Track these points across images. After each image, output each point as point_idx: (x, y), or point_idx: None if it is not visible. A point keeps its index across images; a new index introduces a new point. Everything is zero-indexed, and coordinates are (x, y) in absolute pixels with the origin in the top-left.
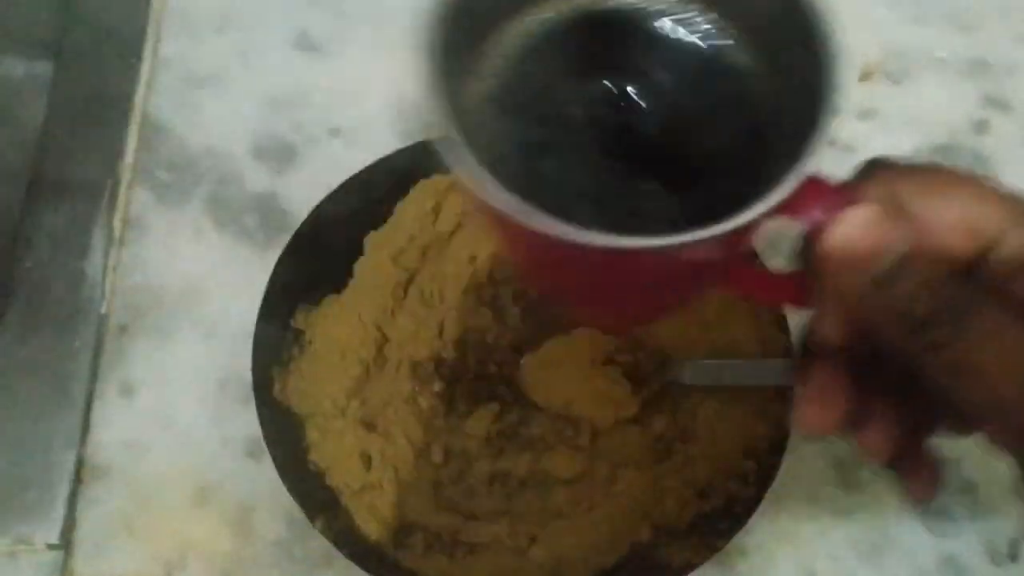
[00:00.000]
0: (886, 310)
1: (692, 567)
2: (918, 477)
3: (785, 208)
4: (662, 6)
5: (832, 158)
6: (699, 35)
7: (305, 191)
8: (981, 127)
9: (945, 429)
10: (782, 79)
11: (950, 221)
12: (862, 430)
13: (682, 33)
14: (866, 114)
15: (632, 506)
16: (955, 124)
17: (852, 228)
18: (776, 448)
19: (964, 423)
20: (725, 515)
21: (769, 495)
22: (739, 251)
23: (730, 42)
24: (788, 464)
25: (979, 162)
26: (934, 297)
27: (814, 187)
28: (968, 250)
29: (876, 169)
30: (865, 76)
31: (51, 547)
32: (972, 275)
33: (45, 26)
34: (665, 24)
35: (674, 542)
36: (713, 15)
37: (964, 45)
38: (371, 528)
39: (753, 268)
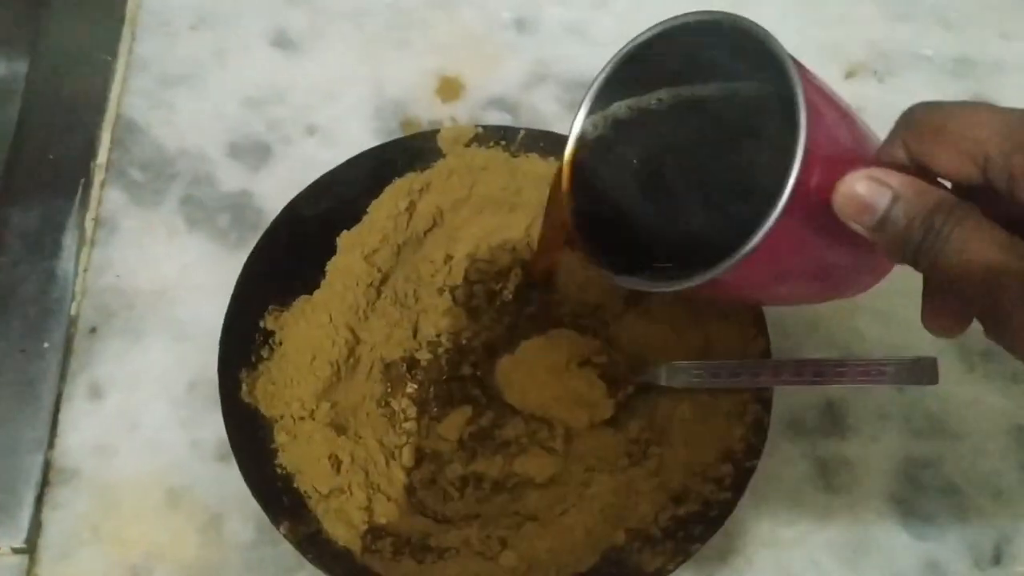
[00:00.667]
0: (893, 241)
1: (666, 572)
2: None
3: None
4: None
5: None
6: None
7: (280, 190)
8: None
9: None
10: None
11: (947, 157)
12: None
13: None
14: None
15: (606, 510)
16: None
17: (844, 189)
18: (753, 451)
19: None
20: (700, 519)
21: (749, 498)
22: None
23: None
24: (768, 467)
25: None
26: (923, 223)
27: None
28: (972, 175)
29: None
30: (850, 74)
31: (16, 551)
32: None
33: (20, 24)
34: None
35: (648, 547)
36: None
37: (949, 43)
38: (339, 533)
39: None
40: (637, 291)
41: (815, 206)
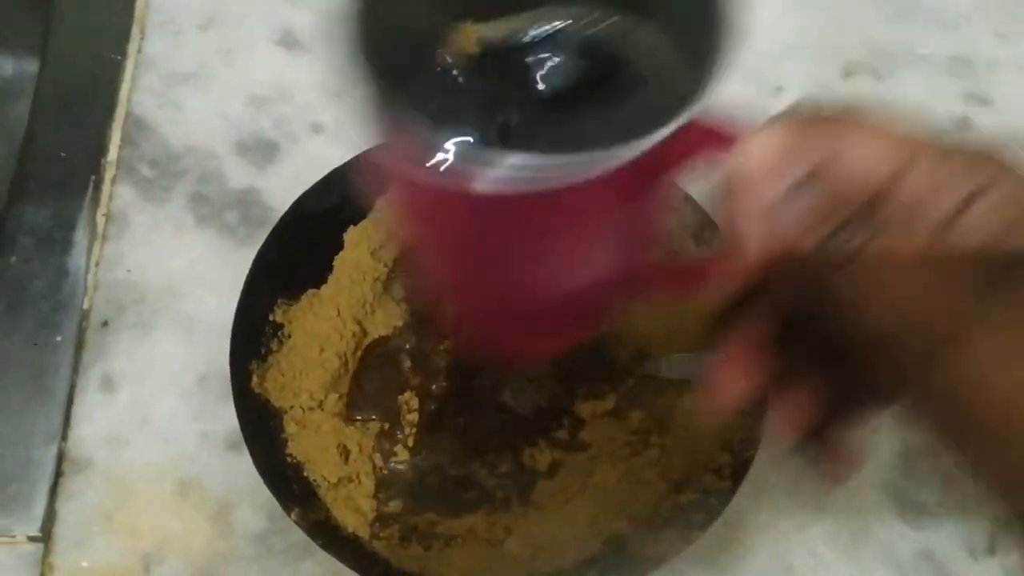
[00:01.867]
0: (799, 223)
1: (667, 559)
2: (834, 457)
3: (698, 148)
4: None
5: None
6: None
7: (287, 187)
8: (963, 124)
9: (862, 405)
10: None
11: (847, 168)
12: (780, 400)
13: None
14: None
15: (609, 498)
16: (938, 120)
17: (764, 140)
18: (751, 442)
19: (879, 395)
20: (700, 508)
21: (748, 488)
22: (649, 236)
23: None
24: (767, 457)
25: None
26: (839, 209)
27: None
28: (865, 192)
29: (790, 115)
30: (848, 73)
31: (31, 539)
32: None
33: (30, 24)
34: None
35: (650, 534)
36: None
37: (946, 42)
38: (348, 520)
39: (661, 263)
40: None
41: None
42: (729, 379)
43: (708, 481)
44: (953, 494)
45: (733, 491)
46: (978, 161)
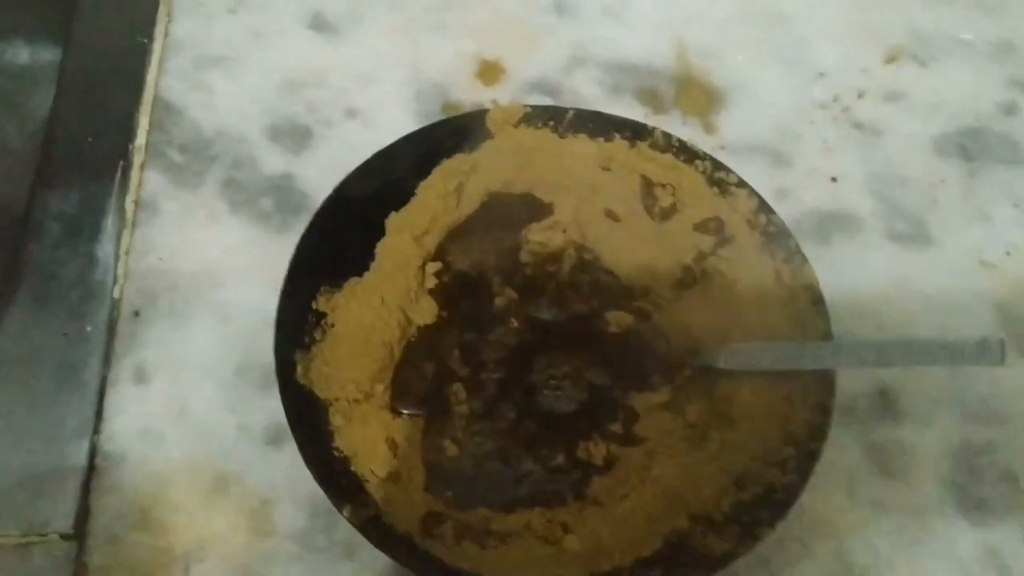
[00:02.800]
0: None
1: (735, 556)
2: None
3: None
4: None
5: (860, 140)
6: None
7: (322, 173)
8: (1009, 110)
9: None
10: None
11: None
12: None
13: None
14: (892, 96)
15: (668, 494)
16: (982, 107)
17: None
18: (816, 434)
19: None
20: (765, 503)
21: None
22: None
23: None
24: (824, 451)
25: (1008, 145)
26: None
27: None
28: None
29: None
30: (891, 59)
31: (64, 537)
32: None
33: (53, 8)
34: None
35: (713, 531)
36: None
37: (990, 27)
38: (398, 517)
39: None
40: (691, 274)
41: None
42: None
43: (772, 476)
44: (1016, 491)
45: (801, 486)
46: None
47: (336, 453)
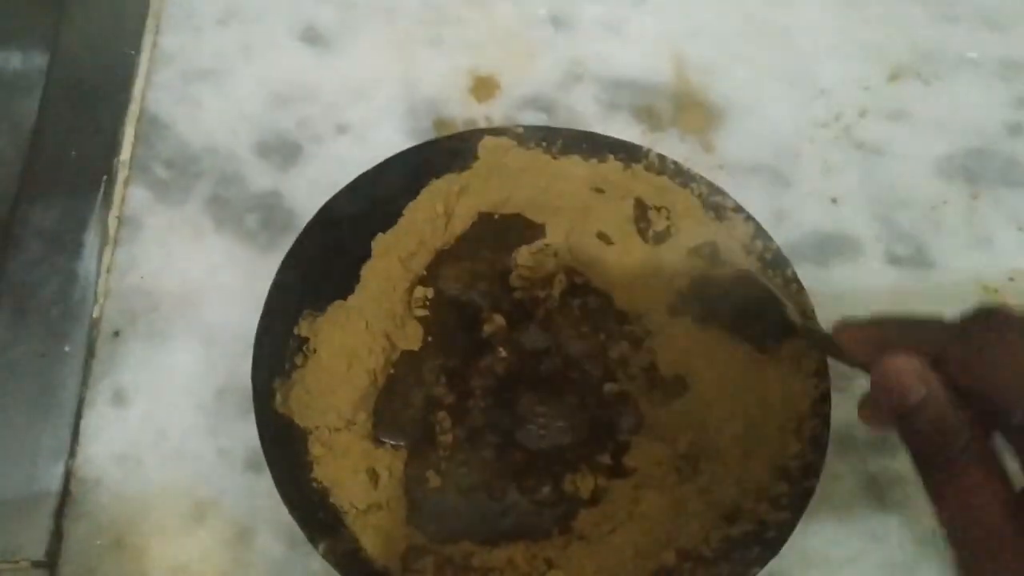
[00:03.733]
0: (907, 432)
1: None
2: None
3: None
4: None
5: (861, 160)
6: None
7: (311, 191)
8: (1015, 130)
9: None
10: None
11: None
12: None
13: None
14: (895, 115)
15: (655, 529)
16: (987, 127)
17: (891, 364)
18: (811, 470)
19: None
20: (756, 541)
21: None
22: None
23: None
24: (819, 483)
25: (1013, 167)
26: (938, 440)
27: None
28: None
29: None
30: (894, 76)
31: (36, 565)
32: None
33: (42, 17)
34: None
35: (701, 568)
36: None
37: (996, 45)
38: (378, 551)
39: None
40: (686, 300)
41: None
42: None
43: (763, 511)
44: None
45: (793, 524)
46: None
47: (315, 484)
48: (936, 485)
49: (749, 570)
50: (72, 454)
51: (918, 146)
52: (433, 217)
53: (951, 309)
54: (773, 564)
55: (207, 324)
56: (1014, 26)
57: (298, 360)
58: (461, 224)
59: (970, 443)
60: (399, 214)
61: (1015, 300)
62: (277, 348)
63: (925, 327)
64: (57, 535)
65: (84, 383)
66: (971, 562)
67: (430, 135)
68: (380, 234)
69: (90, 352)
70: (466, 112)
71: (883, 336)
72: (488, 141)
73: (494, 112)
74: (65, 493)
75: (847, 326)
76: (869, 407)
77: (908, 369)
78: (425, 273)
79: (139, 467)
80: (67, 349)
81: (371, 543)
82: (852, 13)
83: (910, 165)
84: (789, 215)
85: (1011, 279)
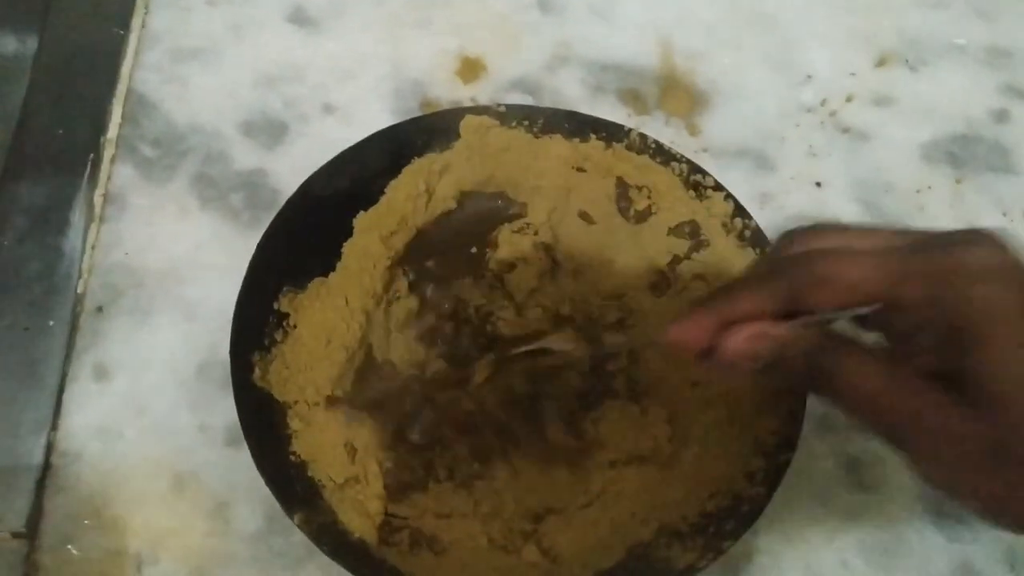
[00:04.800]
0: (777, 379)
1: (697, 569)
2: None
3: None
4: None
5: (847, 145)
6: None
7: (296, 170)
8: (1001, 117)
9: None
10: None
11: (831, 302)
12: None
13: None
14: (882, 101)
15: (632, 503)
16: (974, 113)
17: (733, 344)
18: (786, 444)
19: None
20: (731, 515)
21: (776, 495)
22: None
23: None
24: (796, 462)
25: (998, 153)
26: (803, 361)
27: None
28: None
29: (787, 238)
30: (881, 62)
31: (15, 535)
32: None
33: None
34: None
35: (677, 542)
36: None
37: (983, 32)
38: (354, 523)
39: None
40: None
41: None
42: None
43: (739, 486)
44: None
45: (768, 498)
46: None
47: (293, 458)
48: (829, 390)
49: (723, 543)
50: (54, 427)
51: (903, 131)
52: (415, 195)
53: None
54: (752, 541)
55: (190, 301)
56: (1002, 13)
57: (278, 336)
58: (442, 203)
59: (832, 343)
60: (381, 192)
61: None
62: (257, 323)
63: (749, 289)
64: (37, 507)
65: (67, 357)
66: (899, 440)
67: (417, 116)
68: (361, 212)
69: (74, 327)
70: (452, 94)
71: (715, 318)
72: (470, 120)
73: (480, 94)
74: (46, 465)
75: (675, 329)
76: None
77: (747, 343)
78: (405, 251)
79: (120, 441)
80: (51, 324)
81: (348, 516)
82: None
83: (895, 150)
84: (773, 198)
85: None
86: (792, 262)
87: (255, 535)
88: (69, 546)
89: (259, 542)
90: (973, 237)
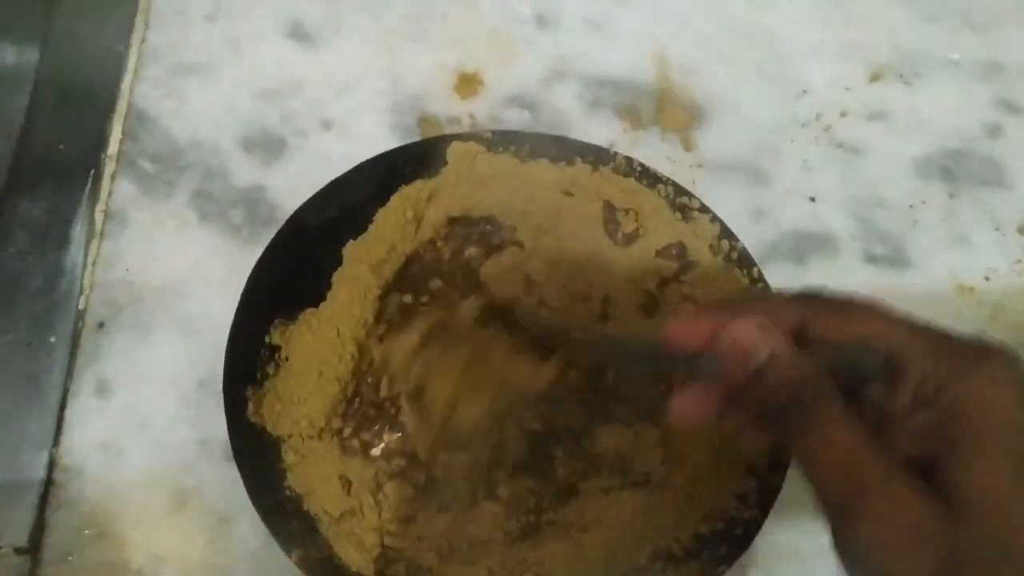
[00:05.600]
0: (758, 396)
1: None
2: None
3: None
4: None
5: (841, 160)
6: None
7: (294, 185)
8: (994, 131)
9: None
10: None
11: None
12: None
13: None
14: (876, 115)
15: (627, 528)
16: (967, 128)
17: (731, 331)
18: (778, 466)
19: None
20: (725, 538)
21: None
22: None
23: None
24: (788, 476)
25: (991, 167)
26: (788, 391)
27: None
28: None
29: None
30: (875, 77)
31: (18, 551)
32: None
33: (31, 13)
34: None
35: (672, 567)
36: None
37: (977, 46)
38: (351, 557)
39: None
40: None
41: None
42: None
43: (733, 508)
44: None
45: (761, 520)
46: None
47: (288, 492)
48: (797, 438)
49: (718, 567)
50: (56, 443)
51: (897, 146)
52: (403, 223)
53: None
54: (745, 557)
55: (190, 316)
56: (995, 28)
57: (270, 369)
58: (431, 230)
59: (822, 390)
60: (369, 221)
61: (992, 299)
62: (249, 357)
63: (767, 300)
64: (40, 522)
65: (69, 373)
66: (844, 513)
67: (414, 131)
68: (351, 241)
69: (75, 343)
70: (450, 109)
71: (719, 319)
72: (457, 146)
73: (477, 109)
74: (48, 481)
75: (676, 324)
76: (689, 396)
77: (751, 330)
78: (395, 279)
79: (121, 456)
80: (52, 340)
81: (344, 550)
82: (835, 14)
83: (889, 165)
84: (768, 213)
85: (987, 278)
86: (820, 292)
87: (255, 550)
88: (71, 561)
89: (259, 557)
90: (994, 346)
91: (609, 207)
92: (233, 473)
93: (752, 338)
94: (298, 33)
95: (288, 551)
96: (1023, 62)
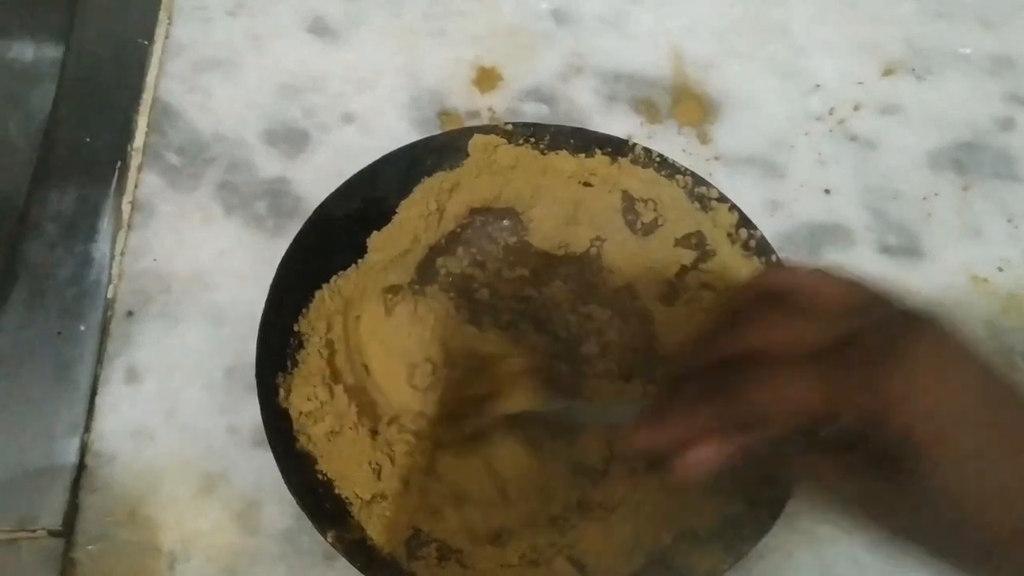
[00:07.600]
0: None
1: (718, 573)
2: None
3: None
4: None
5: (855, 153)
6: None
7: (317, 178)
8: (1006, 125)
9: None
10: None
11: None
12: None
13: None
14: (889, 109)
15: (653, 510)
16: (979, 122)
17: (692, 462)
18: None
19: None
20: (749, 519)
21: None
22: None
23: None
24: None
25: (1003, 160)
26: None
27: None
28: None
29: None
30: (888, 71)
31: (52, 534)
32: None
33: (56, 9)
34: None
35: (696, 548)
36: None
37: (989, 41)
38: (383, 539)
39: None
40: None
41: None
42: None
43: (757, 491)
44: None
45: (784, 503)
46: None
47: (320, 476)
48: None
49: (741, 548)
50: (87, 429)
51: (910, 139)
52: (426, 214)
53: (942, 297)
54: (766, 540)
55: (217, 305)
56: (1006, 23)
57: (299, 356)
58: (454, 221)
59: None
60: (393, 212)
61: (1004, 288)
62: (279, 346)
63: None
64: (73, 506)
65: (99, 361)
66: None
67: (434, 125)
68: (375, 232)
69: (105, 332)
70: (469, 103)
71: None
72: (478, 139)
73: (496, 103)
74: (81, 466)
75: (637, 433)
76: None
77: (704, 459)
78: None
79: (151, 442)
80: (82, 329)
81: (376, 532)
82: (847, 9)
83: (902, 158)
84: (783, 205)
85: (1000, 269)
86: (728, 388)
87: (283, 533)
88: (104, 544)
89: (288, 540)
90: (914, 325)
91: (628, 197)
92: (261, 459)
93: (708, 462)
94: (319, 28)
95: (323, 532)
96: None
